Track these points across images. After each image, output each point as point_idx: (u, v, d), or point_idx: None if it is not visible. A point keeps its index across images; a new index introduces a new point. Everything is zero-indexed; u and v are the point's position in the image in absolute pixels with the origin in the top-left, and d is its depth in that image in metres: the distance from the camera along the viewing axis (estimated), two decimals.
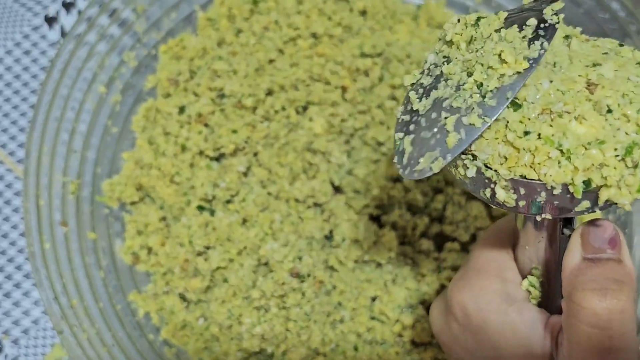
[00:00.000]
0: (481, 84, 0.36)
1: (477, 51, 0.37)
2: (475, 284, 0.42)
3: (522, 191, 0.35)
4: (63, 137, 0.61)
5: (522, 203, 0.36)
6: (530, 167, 0.35)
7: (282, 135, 0.64)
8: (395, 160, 0.38)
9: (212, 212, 0.62)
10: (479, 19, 0.38)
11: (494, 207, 0.38)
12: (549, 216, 0.36)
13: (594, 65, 0.36)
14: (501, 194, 0.36)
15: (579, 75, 0.35)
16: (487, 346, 0.42)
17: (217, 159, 0.65)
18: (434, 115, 0.37)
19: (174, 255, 0.61)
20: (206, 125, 0.64)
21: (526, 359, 0.40)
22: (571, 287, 0.37)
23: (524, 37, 0.36)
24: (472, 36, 0.38)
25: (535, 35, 0.36)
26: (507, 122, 0.35)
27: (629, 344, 0.36)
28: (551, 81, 0.35)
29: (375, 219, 0.63)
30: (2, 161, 0.67)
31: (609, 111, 0.34)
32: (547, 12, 0.36)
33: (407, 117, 0.39)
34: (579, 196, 0.34)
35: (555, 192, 0.34)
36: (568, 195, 0.34)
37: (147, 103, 0.66)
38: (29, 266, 0.61)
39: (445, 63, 0.38)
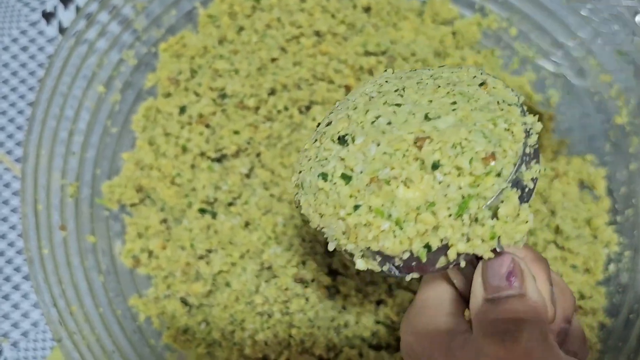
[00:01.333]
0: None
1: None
2: (417, 324, 0.41)
3: (379, 258, 0.34)
4: (62, 136, 0.60)
5: (385, 268, 0.34)
6: (372, 239, 0.33)
7: (285, 135, 0.63)
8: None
9: (214, 215, 0.61)
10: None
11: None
12: (416, 275, 0.34)
13: (431, 119, 0.34)
14: (361, 264, 0.35)
15: (410, 132, 0.33)
16: None
17: (219, 160, 0.63)
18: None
19: (175, 259, 0.60)
20: (207, 125, 0.63)
21: None
22: (476, 332, 0.35)
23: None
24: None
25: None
26: (339, 197, 0.33)
27: None
28: (378, 144, 0.33)
29: None
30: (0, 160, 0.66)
31: (436, 167, 0.32)
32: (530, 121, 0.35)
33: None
34: (425, 260, 0.32)
35: (405, 257, 0.33)
36: (417, 257, 0.33)
37: (147, 102, 0.65)
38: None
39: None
